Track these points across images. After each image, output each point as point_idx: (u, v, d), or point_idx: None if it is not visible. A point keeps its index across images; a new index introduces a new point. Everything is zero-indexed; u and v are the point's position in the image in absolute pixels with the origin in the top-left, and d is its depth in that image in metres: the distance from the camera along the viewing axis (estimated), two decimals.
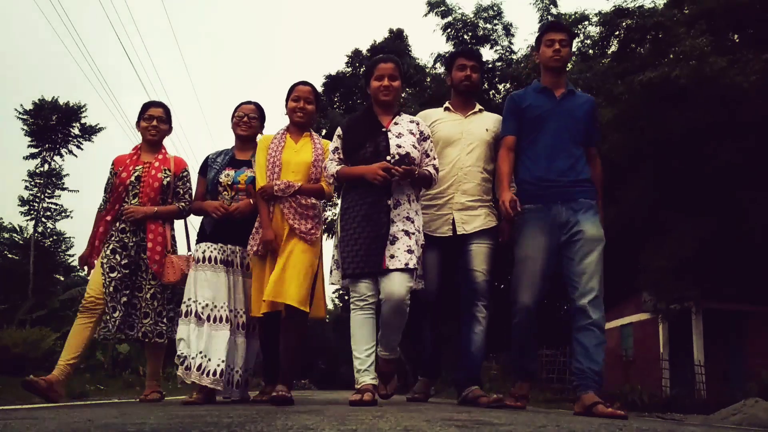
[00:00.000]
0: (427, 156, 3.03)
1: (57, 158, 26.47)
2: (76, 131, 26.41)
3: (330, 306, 39.38)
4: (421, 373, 3.76)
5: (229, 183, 3.31)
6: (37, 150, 26.01)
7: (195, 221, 3.58)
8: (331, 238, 11.37)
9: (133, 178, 3.50)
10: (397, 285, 2.75)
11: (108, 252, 3.41)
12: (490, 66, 15.00)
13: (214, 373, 3.02)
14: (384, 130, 2.97)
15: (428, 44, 49.24)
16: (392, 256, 2.78)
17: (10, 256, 26.32)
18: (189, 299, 3.16)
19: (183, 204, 3.56)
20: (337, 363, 39.59)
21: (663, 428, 1.84)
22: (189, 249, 3.53)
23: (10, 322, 13.22)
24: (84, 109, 26.34)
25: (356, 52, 18.76)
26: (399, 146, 2.90)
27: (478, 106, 3.51)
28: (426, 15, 15.37)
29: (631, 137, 10.08)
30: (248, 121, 3.45)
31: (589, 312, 2.84)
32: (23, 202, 26.21)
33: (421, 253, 2.92)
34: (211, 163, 3.44)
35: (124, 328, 3.38)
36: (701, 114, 9.46)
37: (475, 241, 3.29)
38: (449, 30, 15.24)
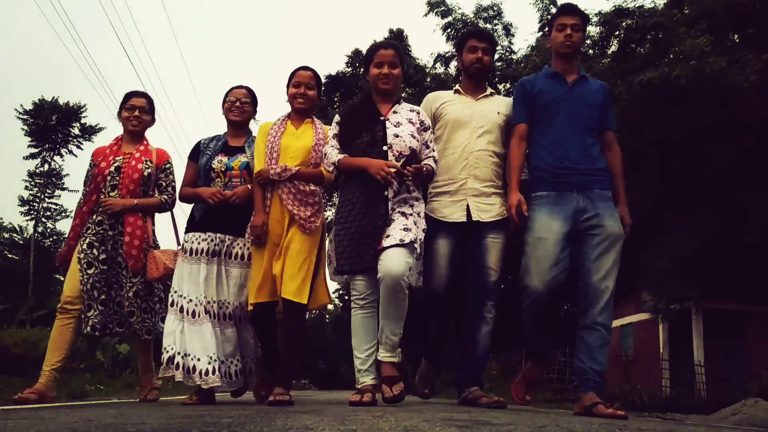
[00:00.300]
0: (427, 147, 2.94)
1: (57, 158, 26.54)
2: (76, 131, 26.46)
3: (330, 306, 39.35)
4: (425, 356, 3.51)
5: (222, 169, 3.19)
6: (37, 150, 26.07)
7: (182, 213, 3.47)
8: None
9: (112, 169, 3.36)
10: (393, 260, 2.62)
11: (84, 246, 3.26)
12: None
13: (206, 373, 2.93)
14: (382, 119, 2.88)
15: (428, 44, 49.22)
16: (387, 236, 2.68)
17: (10, 256, 26.37)
18: (175, 292, 3.08)
19: (165, 197, 3.43)
20: (337, 363, 39.57)
21: (663, 428, 1.84)
22: (178, 243, 3.38)
23: (10, 322, 13.25)
24: (84, 109, 26.40)
25: (356, 52, 18.74)
26: (396, 135, 2.82)
27: (489, 90, 3.37)
28: (426, 15, 15.38)
29: (631, 137, 10.07)
30: (240, 106, 3.30)
31: (597, 311, 2.79)
32: (23, 202, 26.26)
33: (423, 237, 2.80)
34: (203, 148, 3.30)
35: (114, 327, 3.27)
36: (701, 114, 9.47)
37: (490, 234, 3.12)
38: (449, 30, 15.24)
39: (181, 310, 3.03)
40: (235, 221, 3.11)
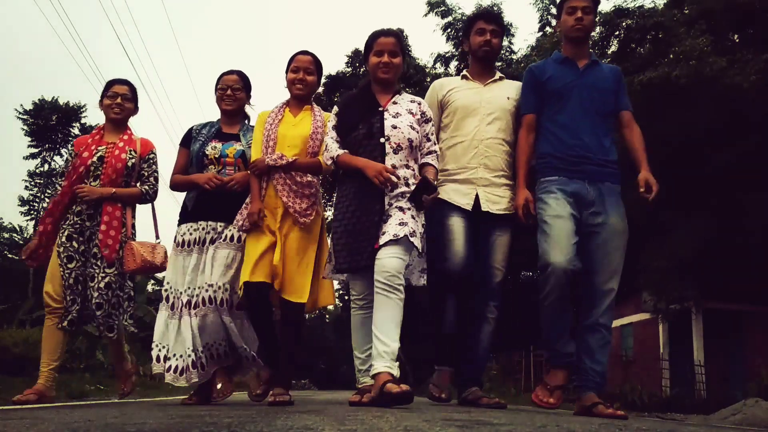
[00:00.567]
0: (428, 140, 2.83)
1: (57, 158, 26.54)
2: (76, 131, 26.49)
3: (330, 306, 39.35)
4: (438, 361, 3.30)
5: (216, 156, 3.07)
6: (37, 150, 26.11)
7: (175, 201, 3.36)
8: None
9: (95, 159, 3.21)
10: (387, 256, 2.50)
11: (64, 239, 3.14)
12: None
13: (182, 371, 2.89)
14: (380, 109, 2.76)
15: (428, 44, 49.28)
16: (383, 233, 2.57)
17: (10, 256, 26.35)
18: (168, 284, 3.04)
19: (146, 187, 3.29)
20: (337, 363, 39.60)
21: (663, 428, 1.84)
22: (157, 237, 3.31)
23: (10, 322, 13.25)
24: (84, 109, 26.46)
25: (356, 52, 18.73)
26: (395, 127, 2.71)
27: (498, 74, 3.22)
28: (426, 15, 15.42)
29: None
30: (232, 93, 3.18)
31: (600, 312, 2.78)
32: (23, 202, 26.29)
33: (423, 231, 2.70)
34: (196, 134, 3.17)
35: (82, 323, 3.18)
36: (701, 114, 9.46)
37: (498, 229, 3.05)
38: (449, 30, 15.27)
39: (173, 307, 3.00)
40: (229, 209, 2.96)
